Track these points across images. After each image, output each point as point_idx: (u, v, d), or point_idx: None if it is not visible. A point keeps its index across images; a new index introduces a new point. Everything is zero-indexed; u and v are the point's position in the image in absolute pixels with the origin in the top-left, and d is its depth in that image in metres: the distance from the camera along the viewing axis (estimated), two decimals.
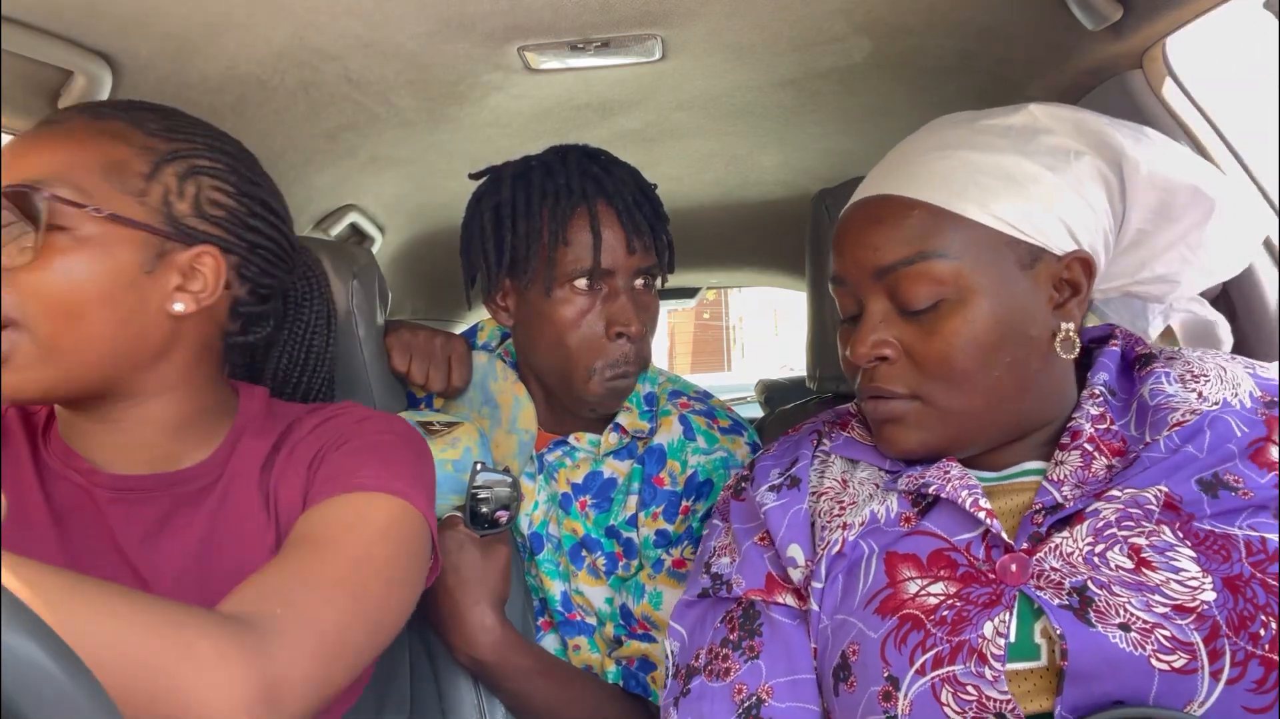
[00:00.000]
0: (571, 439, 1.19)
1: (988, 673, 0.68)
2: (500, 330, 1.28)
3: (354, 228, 1.91)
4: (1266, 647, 0.64)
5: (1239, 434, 0.74)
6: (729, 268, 2.79)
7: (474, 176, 1.21)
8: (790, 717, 0.78)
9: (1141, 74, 1.20)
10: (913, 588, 0.75)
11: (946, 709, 0.69)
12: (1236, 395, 0.77)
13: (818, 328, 1.17)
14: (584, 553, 1.17)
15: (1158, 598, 0.67)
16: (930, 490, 0.79)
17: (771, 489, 0.88)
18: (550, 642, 1.18)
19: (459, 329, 1.36)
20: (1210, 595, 0.67)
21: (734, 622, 0.84)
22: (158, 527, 0.79)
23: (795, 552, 0.83)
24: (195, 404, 0.83)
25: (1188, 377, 0.80)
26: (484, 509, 1.02)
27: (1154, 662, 0.65)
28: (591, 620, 1.17)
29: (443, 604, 1.01)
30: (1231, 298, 1.14)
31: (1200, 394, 0.77)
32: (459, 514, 1.04)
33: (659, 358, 1.49)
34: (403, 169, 1.73)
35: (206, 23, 1.08)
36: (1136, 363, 0.85)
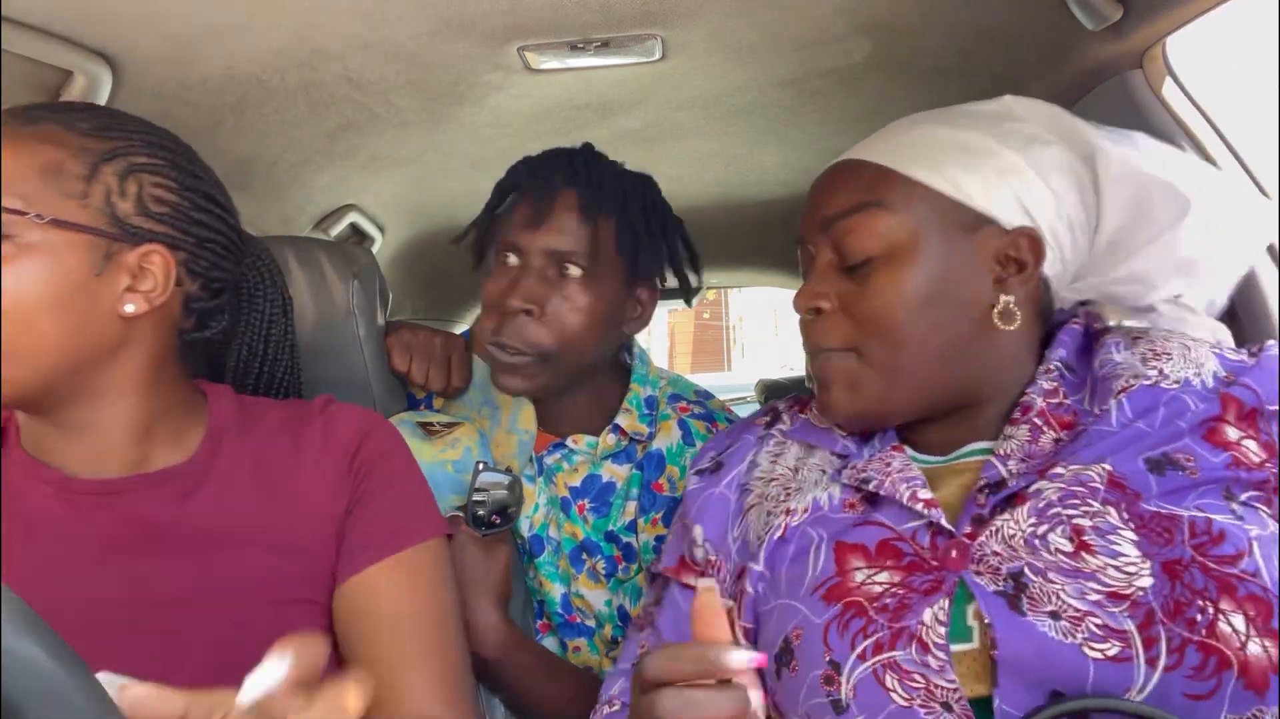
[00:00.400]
0: (570, 441, 1.19)
1: (932, 661, 0.68)
2: None
3: (354, 228, 1.91)
4: (1204, 632, 0.64)
5: (1192, 410, 0.74)
6: (729, 268, 2.79)
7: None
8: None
9: (1141, 74, 1.20)
10: (860, 577, 0.75)
11: (893, 695, 0.69)
12: (1199, 375, 0.76)
13: None
14: (584, 556, 1.17)
15: (1093, 585, 0.67)
16: (870, 487, 0.80)
17: (697, 473, 0.94)
18: (550, 644, 1.18)
19: (459, 329, 1.36)
20: (1147, 582, 0.66)
21: (656, 590, 0.94)
22: (150, 529, 0.78)
23: (698, 533, 0.88)
24: (160, 404, 0.82)
25: (1149, 355, 0.79)
26: (485, 510, 1.02)
27: (1086, 650, 0.65)
28: (591, 623, 1.17)
29: None
30: (1231, 298, 1.14)
31: (1161, 372, 0.76)
32: (460, 515, 1.04)
33: (659, 358, 1.49)
34: (403, 169, 1.73)
35: (206, 23, 1.08)
36: (1095, 339, 0.84)
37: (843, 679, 0.71)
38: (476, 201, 1.21)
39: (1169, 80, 1.20)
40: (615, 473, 1.18)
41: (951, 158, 0.81)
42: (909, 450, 0.84)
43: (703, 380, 1.39)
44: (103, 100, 1.15)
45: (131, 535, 0.78)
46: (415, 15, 1.11)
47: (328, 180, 1.68)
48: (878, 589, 0.74)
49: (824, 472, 0.86)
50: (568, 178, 1.13)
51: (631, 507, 1.16)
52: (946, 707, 0.67)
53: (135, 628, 0.75)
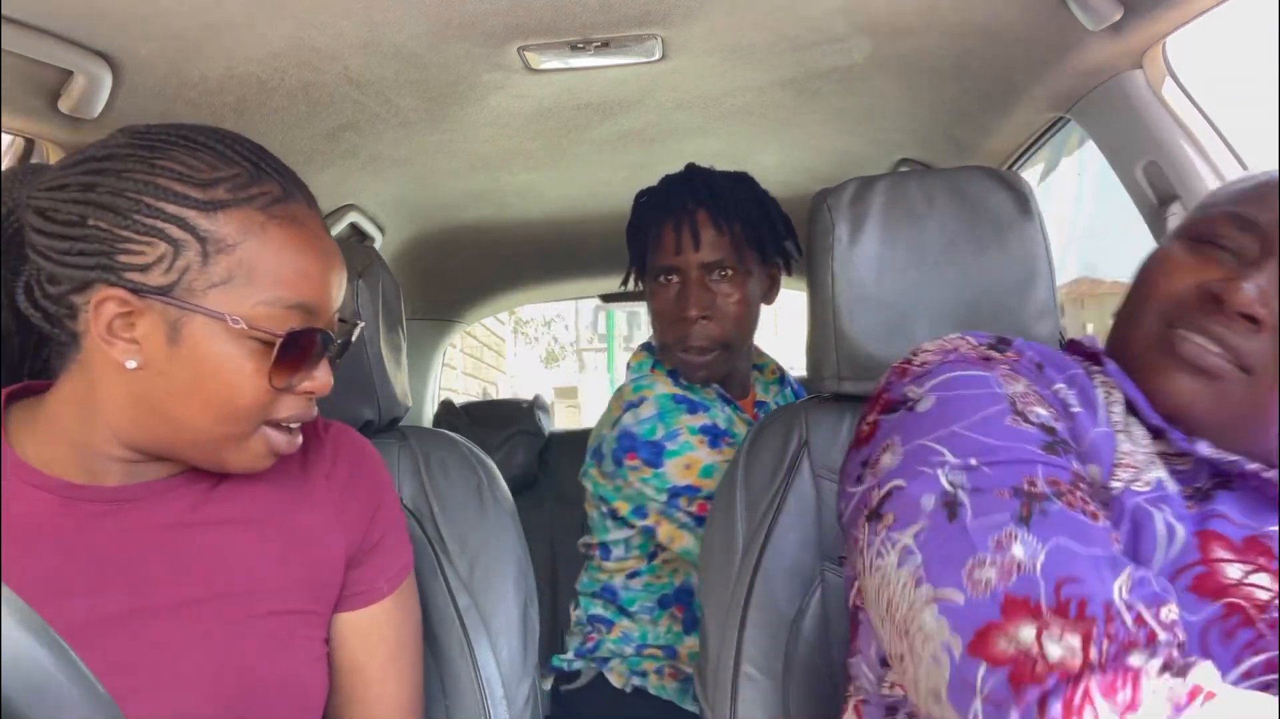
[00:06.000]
0: (765, 398, 1.54)
1: None
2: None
3: (354, 228, 1.91)
4: None
5: None
6: None
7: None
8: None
9: (1141, 74, 1.20)
10: (1233, 572, 0.65)
11: None
12: None
13: (818, 328, 1.17)
14: None
15: None
16: (1238, 470, 0.69)
17: (1064, 408, 0.73)
18: None
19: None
20: None
21: (1081, 489, 0.66)
22: (158, 537, 0.77)
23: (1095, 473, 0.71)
24: None
25: None
26: None
27: None
28: None
29: None
30: None
31: None
32: None
33: None
34: (403, 169, 1.73)
35: (206, 23, 1.08)
36: None
37: None
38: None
39: (1169, 80, 1.20)
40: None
41: None
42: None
43: None
44: (103, 100, 1.15)
45: (138, 543, 0.77)
46: (415, 15, 1.10)
47: (328, 180, 1.68)
48: (1263, 595, 0.64)
49: (1147, 450, 0.74)
50: (695, 200, 1.37)
51: None
52: None
53: (138, 636, 0.74)
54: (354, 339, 0.81)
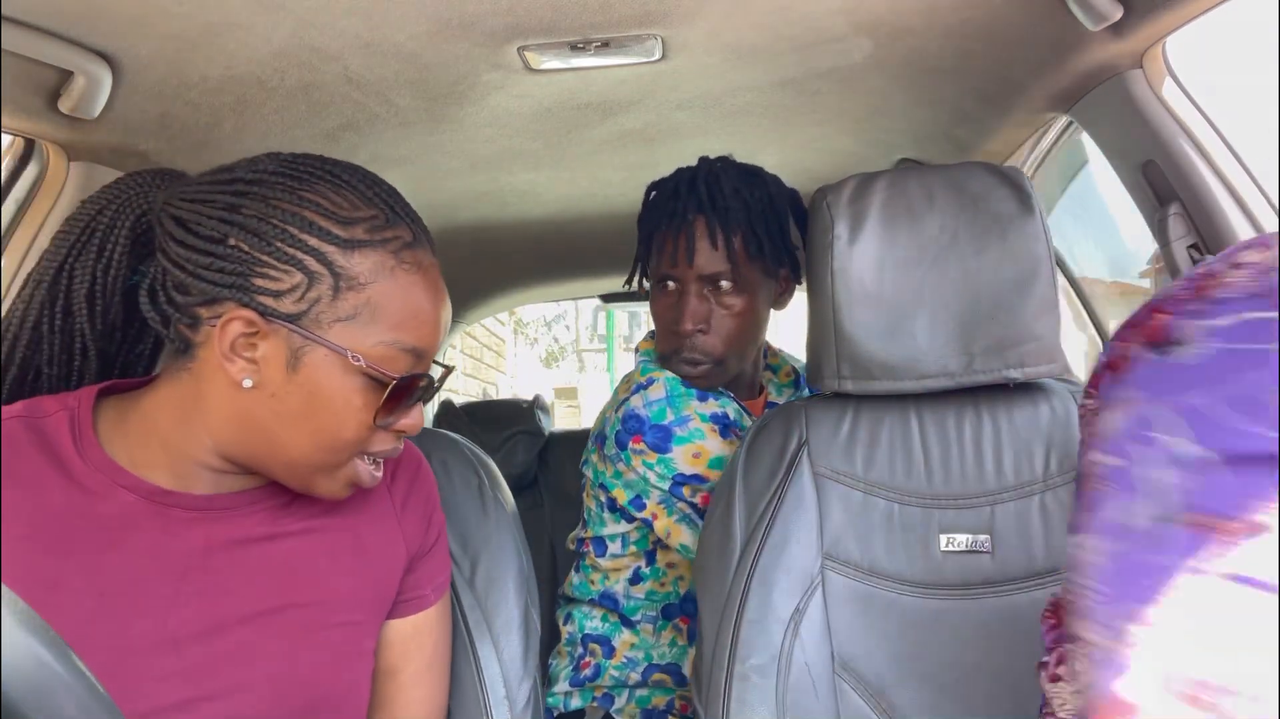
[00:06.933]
0: (775, 396, 1.52)
1: None
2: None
3: None
4: None
5: None
6: None
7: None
8: None
9: (1141, 74, 1.20)
10: None
11: None
12: None
13: (817, 326, 1.17)
14: None
15: None
16: None
17: None
18: None
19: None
20: None
21: None
22: (239, 546, 0.78)
23: None
24: None
25: None
26: None
27: None
28: None
29: None
30: None
31: None
32: None
33: None
34: (403, 169, 1.73)
35: (206, 23, 1.08)
36: None
37: None
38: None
39: (1169, 80, 1.20)
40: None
41: None
42: None
43: None
44: (103, 100, 1.15)
45: (220, 553, 0.77)
46: (415, 15, 1.10)
47: None
48: None
49: None
50: (696, 207, 1.32)
51: None
52: None
53: (211, 645, 0.75)
54: (440, 384, 0.83)
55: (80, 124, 1.19)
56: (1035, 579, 1.06)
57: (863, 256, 1.09)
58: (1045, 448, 1.10)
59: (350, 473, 0.78)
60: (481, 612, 1.06)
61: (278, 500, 0.81)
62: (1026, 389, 1.14)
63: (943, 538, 1.08)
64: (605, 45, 1.21)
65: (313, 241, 0.72)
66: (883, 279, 1.09)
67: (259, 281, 0.72)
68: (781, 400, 1.52)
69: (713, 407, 1.34)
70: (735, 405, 1.39)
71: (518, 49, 1.22)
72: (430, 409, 2.70)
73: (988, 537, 1.08)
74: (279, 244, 0.72)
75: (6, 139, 1.27)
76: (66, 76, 1.10)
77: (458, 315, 2.72)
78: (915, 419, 1.13)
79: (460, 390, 5.66)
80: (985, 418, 1.12)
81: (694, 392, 1.35)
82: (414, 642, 0.88)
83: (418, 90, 1.35)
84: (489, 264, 2.41)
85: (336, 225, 0.73)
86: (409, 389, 0.76)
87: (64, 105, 1.14)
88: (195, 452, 0.76)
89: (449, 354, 3.95)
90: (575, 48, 1.22)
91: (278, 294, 0.72)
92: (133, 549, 0.74)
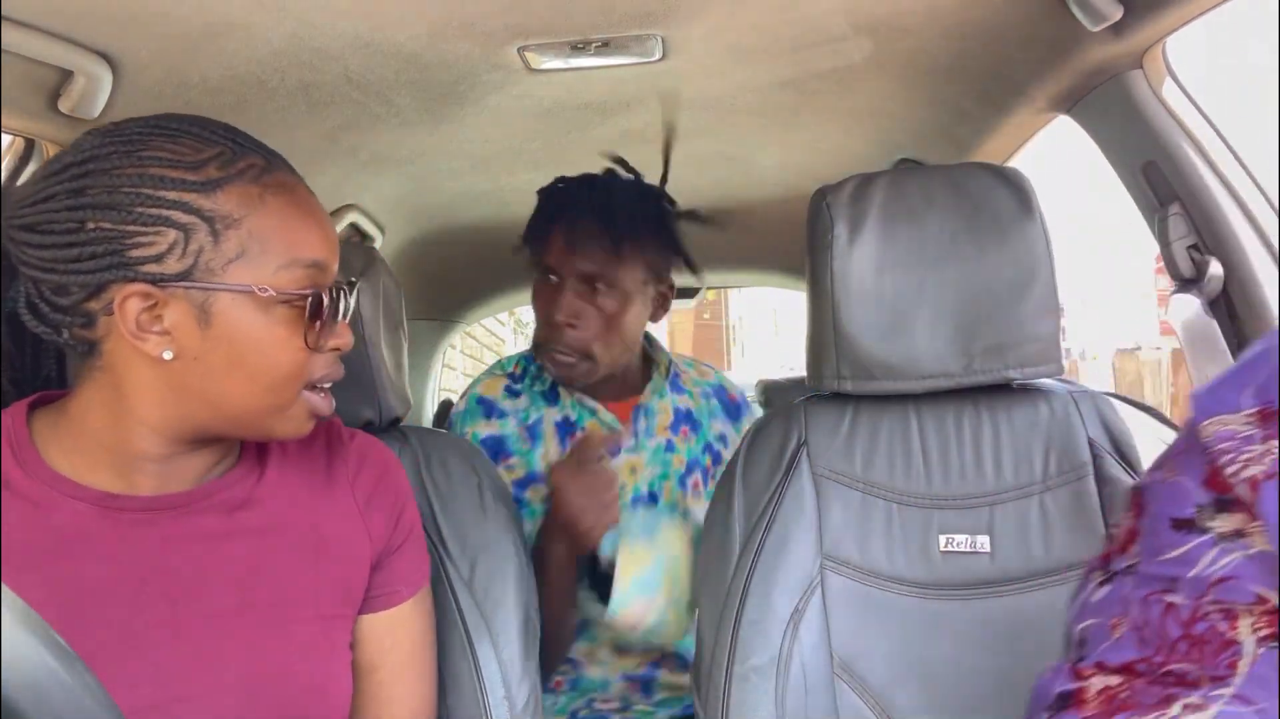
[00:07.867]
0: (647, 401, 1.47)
1: None
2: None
3: (354, 228, 1.91)
4: None
5: None
6: (729, 268, 2.79)
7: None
8: None
9: (1141, 74, 1.20)
10: None
11: None
12: None
13: (817, 326, 1.17)
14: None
15: None
16: None
17: None
18: None
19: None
20: None
21: None
22: (197, 545, 0.77)
23: None
24: None
25: None
26: None
27: None
28: None
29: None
30: (1232, 298, 1.14)
31: None
32: None
33: None
34: (403, 169, 1.73)
35: (206, 23, 1.08)
36: None
37: None
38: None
39: (1169, 80, 1.20)
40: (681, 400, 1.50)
41: None
42: None
43: None
44: (103, 100, 1.15)
45: (177, 553, 0.76)
46: (415, 15, 1.11)
47: (328, 180, 1.68)
48: None
49: None
50: (587, 210, 1.36)
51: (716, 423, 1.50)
52: None
53: (177, 645, 0.75)
54: (354, 299, 0.82)
55: (80, 124, 1.19)
56: (1034, 580, 1.06)
57: (862, 257, 1.09)
58: (1045, 449, 1.10)
59: (302, 407, 0.77)
60: (480, 612, 1.06)
61: (230, 494, 0.80)
62: (1026, 390, 1.14)
63: (942, 538, 1.08)
64: (605, 45, 1.21)
65: (171, 195, 0.70)
66: (882, 279, 1.09)
67: (135, 253, 0.70)
68: (654, 402, 1.48)
69: (493, 427, 1.41)
70: (538, 416, 1.43)
71: (518, 49, 1.22)
72: (430, 409, 2.70)
73: (987, 537, 1.07)
74: (139, 209, 0.70)
75: (6, 139, 1.27)
76: (66, 76, 1.10)
77: (458, 315, 2.72)
78: (915, 420, 1.13)
79: (460, 390, 5.65)
80: (985, 419, 1.12)
81: (483, 409, 1.43)
82: (390, 638, 0.88)
83: (418, 90, 1.35)
84: (489, 264, 2.41)
85: (188, 172, 0.71)
86: (330, 303, 0.76)
87: (64, 105, 1.14)
88: (136, 445, 0.75)
89: (449, 354, 3.94)
90: (575, 48, 1.22)
91: (159, 258, 0.70)
92: (90, 557, 0.74)
